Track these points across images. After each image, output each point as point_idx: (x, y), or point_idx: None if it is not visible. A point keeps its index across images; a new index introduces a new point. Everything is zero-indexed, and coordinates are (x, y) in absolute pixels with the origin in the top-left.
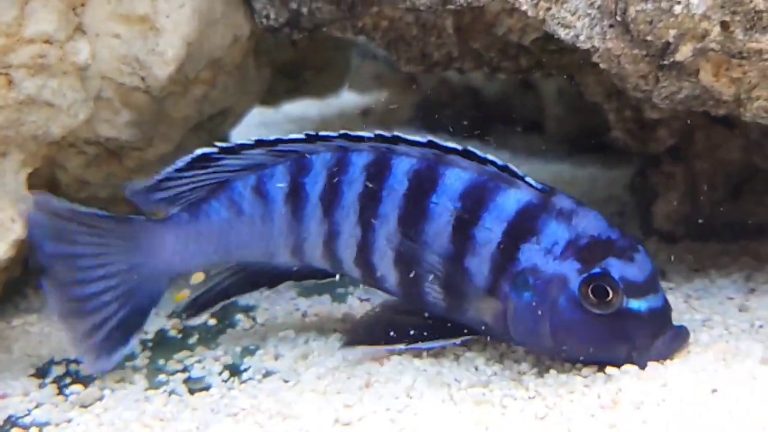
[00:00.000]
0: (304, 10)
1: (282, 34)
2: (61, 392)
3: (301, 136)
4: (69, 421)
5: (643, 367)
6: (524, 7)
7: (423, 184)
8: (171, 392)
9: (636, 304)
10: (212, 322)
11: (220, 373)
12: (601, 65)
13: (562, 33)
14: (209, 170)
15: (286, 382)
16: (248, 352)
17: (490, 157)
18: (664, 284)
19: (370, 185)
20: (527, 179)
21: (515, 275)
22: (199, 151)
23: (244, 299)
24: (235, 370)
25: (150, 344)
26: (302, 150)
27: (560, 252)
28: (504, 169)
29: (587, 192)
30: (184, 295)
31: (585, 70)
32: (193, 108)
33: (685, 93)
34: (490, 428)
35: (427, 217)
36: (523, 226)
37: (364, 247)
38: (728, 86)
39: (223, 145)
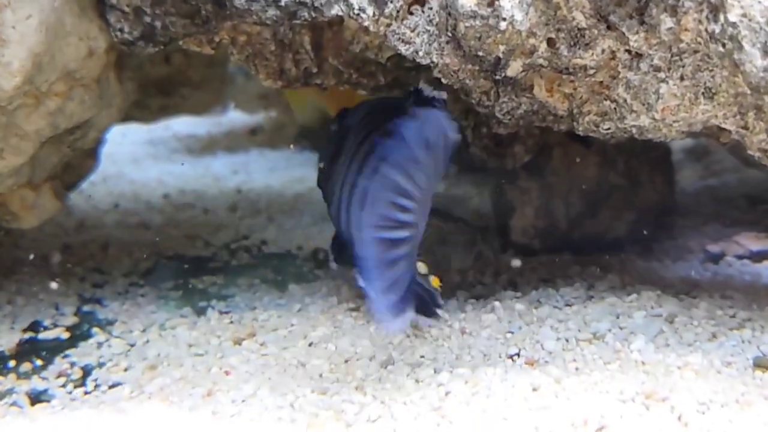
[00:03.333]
0: (158, 24)
1: (137, 48)
2: None
3: None
4: None
5: None
6: (366, 23)
7: None
8: (12, 404)
9: None
10: (65, 335)
11: (65, 385)
12: (443, 80)
13: (402, 48)
14: None
15: (131, 392)
16: (98, 364)
17: None
18: (511, 293)
19: None
20: None
21: None
22: None
23: (103, 313)
24: (80, 382)
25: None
26: None
27: None
28: None
29: (459, 210)
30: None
31: (441, 87)
32: (46, 121)
33: (524, 108)
34: None
35: None
36: None
37: None
38: (562, 101)
39: None
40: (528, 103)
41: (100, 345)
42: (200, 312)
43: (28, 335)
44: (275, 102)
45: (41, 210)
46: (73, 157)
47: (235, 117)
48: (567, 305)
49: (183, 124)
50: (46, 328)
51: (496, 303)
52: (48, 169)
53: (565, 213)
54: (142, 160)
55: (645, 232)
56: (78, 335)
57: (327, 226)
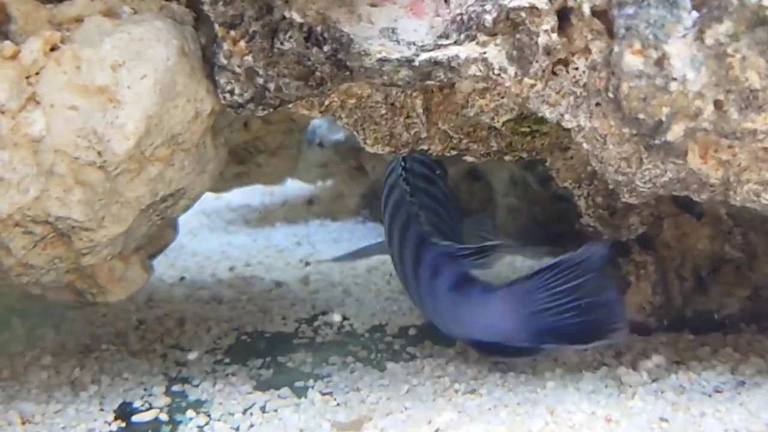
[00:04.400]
0: (271, 85)
1: (246, 111)
2: None
3: None
4: None
5: None
6: (507, 83)
7: None
8: None
9: None
10: (163, 417)
11: None
12: (584, 145)
13: (547, 111)
14: None
15: None
16: None
17: None
18: (644, 376)
19: None
20: None
21: None
22: None
23: (195, 393)
24: None
25: None
26: None
27: None
28: None
29: None
30: None
31: (555, 154)
32: (147, 187)
33: (669, 176)
34: None
35: None
36: None
37: None
38: (716, 169)
39: None
40: (675, 170)
41: (201, 429)
42: (300, 393)
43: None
44: (334, 171)
45: (129, 282)
46: (157, 227)
47: (291, 186)
48: (717, 391)
49: (236, 195)
50: (138, 410)
51: (640, 388)
52: (138, 239)
53: (680, 288)
54: (198, 231)
55: (762, 310)
56: (174, 418)
57: (406, 301)
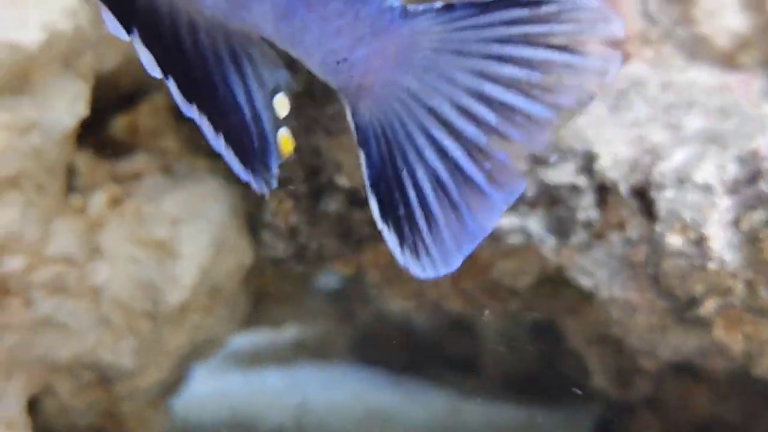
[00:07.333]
0: (313, 244)
1: (286, 267)
2: None
3: None
4: None
5: None
6: (546, 254)
7: None
8: None
9: None
10: None
11: None
12: (614, 315)
13: (583, 281)
14: None
15: None
16: None
17: None
18: None
19: None
20: None
21: None
22: None
23: None
24: None
25: None
26: None
27: None
28: None
29: None
30: None
31: (568, 316)
32: (187, 336)
33: (692, 345)
34: None
35: None
36: None
37: None
38: (738, 341)
39: None
40: (698, 340)
41: None
42: None
43: None
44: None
45: (152, 426)
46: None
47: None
48: None
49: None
50: None
51: None
52: (166, 385)
53: None
54: None
55: None
56: None
57: None
